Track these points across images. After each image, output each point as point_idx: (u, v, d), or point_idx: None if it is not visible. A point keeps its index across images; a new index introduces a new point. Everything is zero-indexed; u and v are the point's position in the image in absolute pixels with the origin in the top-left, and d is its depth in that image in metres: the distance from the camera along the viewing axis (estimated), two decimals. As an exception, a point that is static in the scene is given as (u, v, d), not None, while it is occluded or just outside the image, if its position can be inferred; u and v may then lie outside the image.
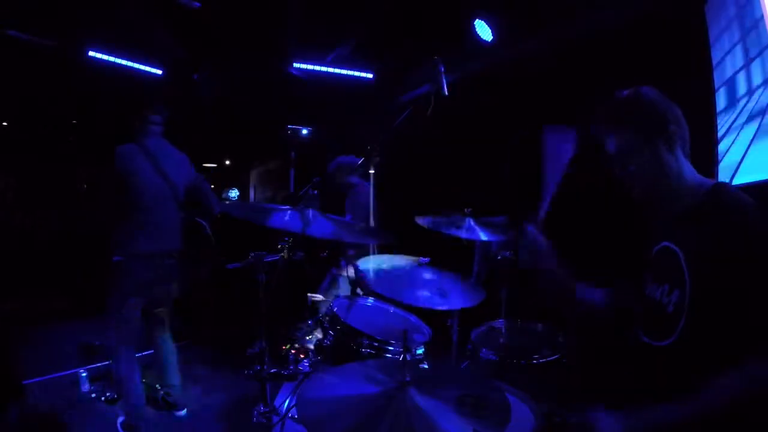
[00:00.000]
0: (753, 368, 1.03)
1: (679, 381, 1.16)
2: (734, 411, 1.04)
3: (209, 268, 3.23)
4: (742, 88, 2.42)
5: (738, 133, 2.42)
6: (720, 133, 2.52)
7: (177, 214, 2.88)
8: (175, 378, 3.05)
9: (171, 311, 3.06)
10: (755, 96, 2.31)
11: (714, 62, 2.58)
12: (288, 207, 1.79)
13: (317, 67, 5.26)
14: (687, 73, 1.29)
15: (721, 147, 2.50)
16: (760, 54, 2.28)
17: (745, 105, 2.39)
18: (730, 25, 2.50)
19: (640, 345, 1.31)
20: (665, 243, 1.27)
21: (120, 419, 2.84)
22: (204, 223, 3.16)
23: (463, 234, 2.14)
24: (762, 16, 2.24)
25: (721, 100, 2.54)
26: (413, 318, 2.10)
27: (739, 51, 2.44)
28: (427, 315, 2.10)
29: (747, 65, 2.38)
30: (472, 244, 2.48)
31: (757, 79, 2.30)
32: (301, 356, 1.93)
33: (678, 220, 1.26)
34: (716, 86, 2.56)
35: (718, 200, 1.19)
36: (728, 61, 2.51)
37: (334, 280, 3.59)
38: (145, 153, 2.70)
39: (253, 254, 1.91)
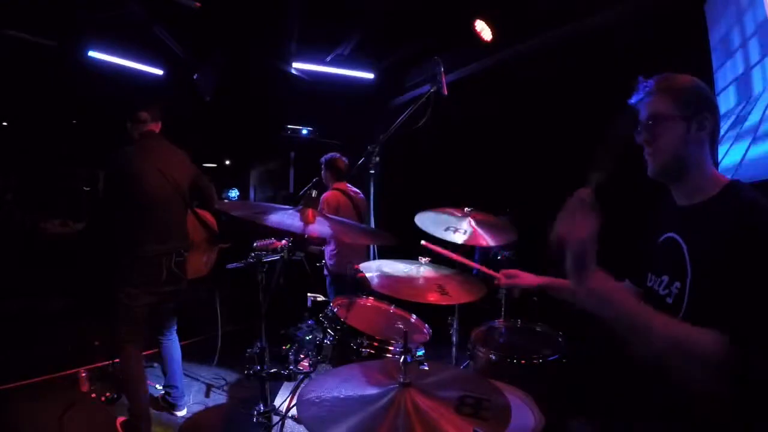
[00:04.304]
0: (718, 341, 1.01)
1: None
2: (676, 352, 1.04)
3: (214, 262, 3.21)
4: (742, 95, 2.42)
5: (737, 135, 2.42)
6: (720, 133, 2.52)
7: (183, 213, 2.87)
8: (177, 379, 3.04)
9: (176, 310, 3.05)
10: (751, 102, 2.31)
11: (714, 66, 2.58)
12: (288, 207, 1.79)
13: (317, 67, 5.26)
14: (686, 73, 1.28)
15: (721, 147, 2.50)
16: (756, 35, 2.28)
17: (744, 107, 2.39)
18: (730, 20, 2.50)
19: None
20: (670, 234, 1.26)
21: (120, 419, 2.83)
22: (209, 217, 3.15)
23: (459, 240, 2.15)
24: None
25: (721, 102, 2.55)
26: (413, 318, 2.10)
27: (738, 43, 2.44)
28: (427, 315, 2.10)
29: (746, 68, 2.38)
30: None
31: (758, 86, 2.30)
32: (301, 356, 1.93)
33: (688, 212, 1.25)
34: (717, 90, 2.56)
35: (731, 197, 1.18)
36: (728, 64, 2.52)
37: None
38: (144, 154, 2.70)
39: (253, 254, 1.91)
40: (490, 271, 1.94)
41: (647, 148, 1.27)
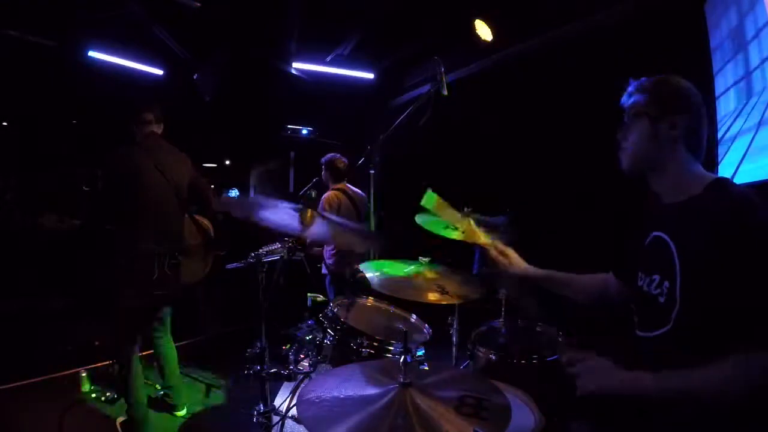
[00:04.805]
0: (758, 357, 1.01)
1: (673, 370, 1.16)
2: (720, 401, 1.03)
3: (208, 268, 3.22)
4: (742, 96, 2.42)
5: (737, 135, 2.42)
6: (720, 134, 2.52)
7: (180, 213, 2.87)
8: (175, 379, 3.05)
9: (173, 311, 3.06)
10: (752, 102, 2.31)
11: (715, 69, 2.58)
12: (289, 203, 1.78)
13: (317, 67, 5.26)
14: (686, 74, 1.29)
15: (721, 148, 2.51)
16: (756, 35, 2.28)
17: (744, 107, 2.39)
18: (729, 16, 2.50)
19: (634, 339, 1.31)
20: (657, 233, 1.27)
21: (120, 419, 2.84)
22: (206, 222, 3.16)
23: (460, 237, 2.14)
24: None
25: (721, 105, 2.55)
26: (413, 318, 2.10)
27: (738, 39, 2.43)
28: (427, 315, 2.10)
29: (747, 68, 2.38)
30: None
31: (758, 90, 2.30)
32: (301, 356, 1.93)
33: (673, 209, 1.25)
34: (717, 93, 2.56)
35: (717, 193, 1.18)
36: (729, 67, 2.51)
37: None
38: (145, 153, 2.70)
39: (253, 254, 1.91)
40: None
41: (621, 144, 1.32)
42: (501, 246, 1.83)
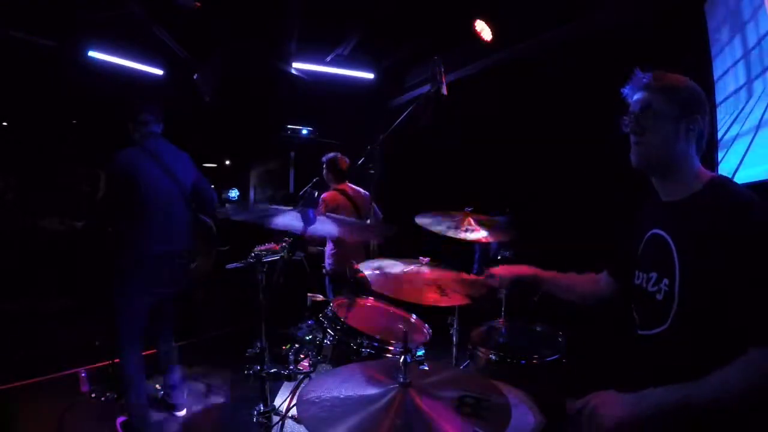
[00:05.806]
0: (758, 358, 1.02)
1: (673, 367, 1.16)
2: (742, 400, 1.02)
3: (213, 265, 3.23)
4: (742, 98, 2.41)
5: (736, 136, 2.42)
6: (719, 135, 2.52)
7: (186, 213, 2.87)
8: (176, 379, 3.05)
9: (176, 311, 3.06)
10: (750, 104, 2.31)
11: (715, 76, 2.58)
12: (289, 208, 1.79)
13: (317, 67, 5.26)
14: (686, 74, 1.29)
15: (720, 151, 2.50)
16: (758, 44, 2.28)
17: (742, 109, 2.39)
18: (729, 21, 2.50)
19: (636, 337, 1.31)
20: (655, 230, 1.27)
21: (120, 419, 2.83)
22: (208, 220, 3.16)
23: (462, 235, 2.15)
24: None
25: (721, 111, 2.54)
26: (413, 318, 2.10)
27: (738, 45, 2.43)
28: (427, 315, 2.10)
29: (748, 69, 2.37)
30: (472, 243, 2.48)
31: (758, 90, 2.30)
32: (301, 356, 1.93)
33: (672, 207, 1.26)
34: (718, 100, 2.55)
35: (716, 191, 1.18)
36: (730, 74, 2.51)
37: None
38: (148, 155, 2.70)
39: (253, 254, 1.91)
40: (472, 276, 1.93)
41: (634, 137, 1.27)
42: (489, 270, 1.82)
